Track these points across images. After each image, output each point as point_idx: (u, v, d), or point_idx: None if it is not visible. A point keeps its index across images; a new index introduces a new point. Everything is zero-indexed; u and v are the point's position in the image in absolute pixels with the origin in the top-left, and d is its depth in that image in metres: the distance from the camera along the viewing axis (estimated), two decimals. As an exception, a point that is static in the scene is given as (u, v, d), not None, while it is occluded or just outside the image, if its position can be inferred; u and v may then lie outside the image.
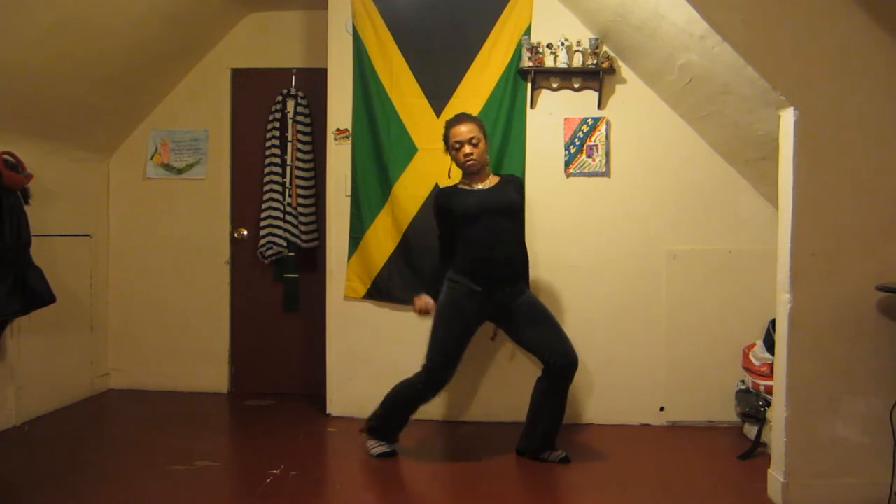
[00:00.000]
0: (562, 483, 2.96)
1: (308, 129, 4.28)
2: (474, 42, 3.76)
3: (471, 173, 3.15)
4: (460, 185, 3.20)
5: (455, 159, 3.16)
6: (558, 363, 3.05)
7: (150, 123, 4.42)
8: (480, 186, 3.16)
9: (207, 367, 4.40)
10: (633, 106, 3.75)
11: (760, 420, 3.28)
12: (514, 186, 3.23)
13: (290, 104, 4.30)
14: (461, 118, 3.18)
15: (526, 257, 3.26)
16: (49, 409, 3.84)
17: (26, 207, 3.38)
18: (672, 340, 3.73)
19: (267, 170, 4.29)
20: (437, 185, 3.62)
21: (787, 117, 2.67)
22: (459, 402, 3.82)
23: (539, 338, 3.10)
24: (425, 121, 3.78)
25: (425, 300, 3.20)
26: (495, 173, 3.31)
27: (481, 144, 3.12)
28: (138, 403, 4.16)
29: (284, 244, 4.27)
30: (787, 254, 2.66)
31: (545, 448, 3.16)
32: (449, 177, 3.31)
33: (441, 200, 3.22)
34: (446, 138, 3.17)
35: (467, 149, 3.08)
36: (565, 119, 3.78)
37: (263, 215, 4.29)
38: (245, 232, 4.41)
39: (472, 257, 3.09)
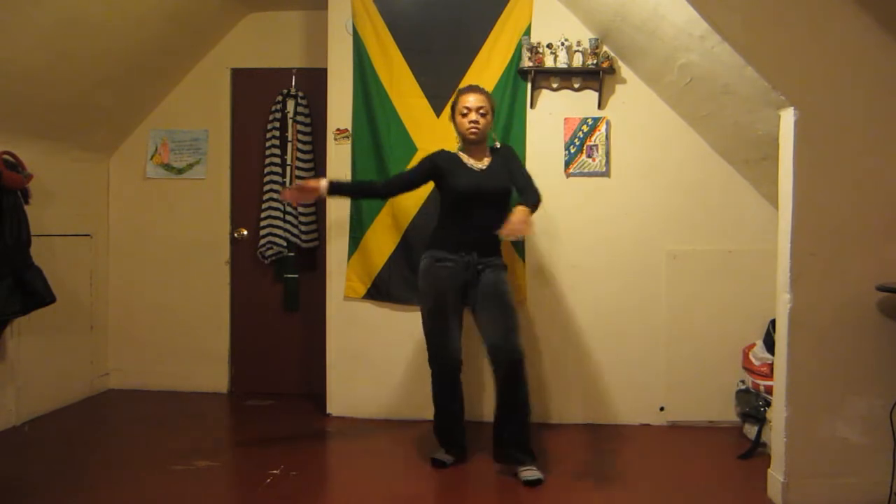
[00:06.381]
0: (561, 484, 2.95)
1: (308, 129, 4.28)
2: (474, 42, 3.77)
3: (471, 143, 3.13)
4: (460, 155, 3.15)
5: (459, 125, 3.13)
6: (491, 354, 2.95)
7: (150, 123, 4.42)
8: (478, 166, 3.11)
9: (207, 367, 4.40)
10: (633, 106, 3.75)
11: (760, 420, 3.28)
12: (506, 160, 3.14)
13: (290, 104, 4.29)
14: (475, 88, 3.17)
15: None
16: (49, 409, 3.84)
17: (26, 207, 3.38)
18: (672, 340, 3.73)
19: (267, 170, 4.29)
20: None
21: (787, 117, 2.67)
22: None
23: (484, 321, 2.99)
24: (425, 121, 3.79)
25: (315, 183, 3.08)
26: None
27: (488, 117, 3.11)
28: (138, 403, 4.16)
29: (284, 244, 4.27)
30: (787, 254, 2.66)
31: (514, 458, 2.98)
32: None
33: (438, 156, 3.15)
34: (454, 104, 3.16)
35: (473, 116, 3.07)
36: (565, 119, 3.78)
37: (263, 215, 4.29)
38: (245, 232, 4.41)
39: (451, 237, 3.07)
